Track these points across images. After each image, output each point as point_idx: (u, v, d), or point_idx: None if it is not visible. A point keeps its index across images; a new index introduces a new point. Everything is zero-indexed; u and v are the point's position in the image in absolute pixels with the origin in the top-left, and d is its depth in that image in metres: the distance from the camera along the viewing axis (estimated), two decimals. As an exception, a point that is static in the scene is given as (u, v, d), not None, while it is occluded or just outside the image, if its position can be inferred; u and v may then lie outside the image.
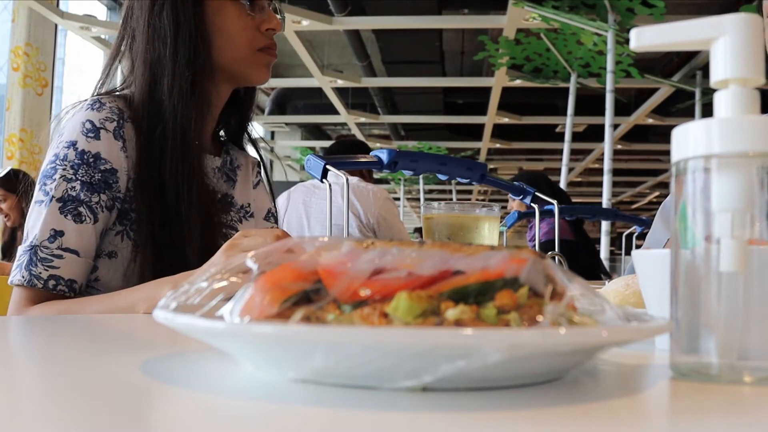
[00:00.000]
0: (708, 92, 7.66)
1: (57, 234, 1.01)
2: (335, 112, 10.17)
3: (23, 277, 0.99)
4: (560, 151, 7.41)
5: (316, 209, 2.64)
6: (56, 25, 6.46)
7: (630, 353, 0.56)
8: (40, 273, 0.99)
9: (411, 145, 11.51)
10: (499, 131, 11.21)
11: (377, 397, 0.36)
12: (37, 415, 0.33)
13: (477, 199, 13.74)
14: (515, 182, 2.36)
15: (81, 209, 1.02)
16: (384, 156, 1.85)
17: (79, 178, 1.02)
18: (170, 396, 0.38)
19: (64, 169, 1.02)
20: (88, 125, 1.04)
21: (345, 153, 2.63)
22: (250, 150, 1.35)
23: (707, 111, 7.51)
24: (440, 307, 0.40)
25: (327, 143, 10.74)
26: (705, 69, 7.73)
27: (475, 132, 11.26)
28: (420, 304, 0.40)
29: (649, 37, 0.48)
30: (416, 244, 0.45)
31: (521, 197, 2.17)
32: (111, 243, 1.06)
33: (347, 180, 1.23)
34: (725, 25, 0.45)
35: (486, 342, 0.34)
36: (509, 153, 12.72)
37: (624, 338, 0.39)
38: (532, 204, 1.90)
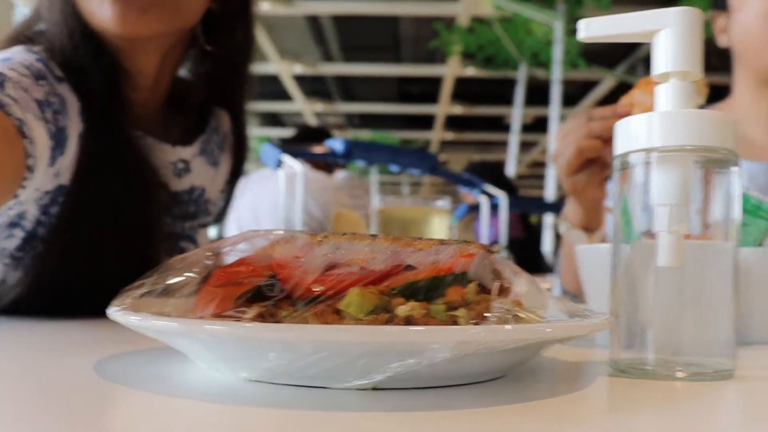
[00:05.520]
0: (649, 85, 7.78)
1: None
2: (292, 100, 10.13)
3: None
4: (508, 143, 7.53)
5: (268, 201, 2.61)
6: (12, 4, 6.05)
7: (571, 349, 0.57)
8: None
9: (366, 134, 11.49)
10: (451, 122, 11.28)
11: (329, 397, 0.37)
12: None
13: (429, 192, 13.81)
14: (465, 174, 2.39)
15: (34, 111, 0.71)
16: (339, 146, 1.86)
17: (33, 94, 0.72)
18: (123, 396, 0.38)
19: (12, 69, 0.73)
20: (35, 69, 0.76)
21: (308, 141, 2.57)
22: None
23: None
24: (391, 303, 0.41)
25: (283, 132, 10.65)
26: (646, 61, 7.87)
27: (428, 122, 11.32)
28: (371, 301, 0.41)
29: (596, 28, 0.49)
30: (368, 238, 0.46)
31: (470, 189, 2.21)
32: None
33: (302, 171, 1.23)
34: (667, 19, 0.46)
35: (434, 339, 0.35)
36: (460, 144, 12.80)
37: (568, 335, 0.40)
38: (482, 196, 1.93)
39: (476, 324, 0.39)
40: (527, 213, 3.18)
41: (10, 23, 5.93)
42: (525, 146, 10.81)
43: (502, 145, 10.09)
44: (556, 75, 5.92)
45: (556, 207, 3.01)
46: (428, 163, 1.95)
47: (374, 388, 0.38)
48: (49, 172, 0.74)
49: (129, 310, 0.43)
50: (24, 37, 0.83)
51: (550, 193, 5.51)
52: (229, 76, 0.99)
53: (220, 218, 1.04)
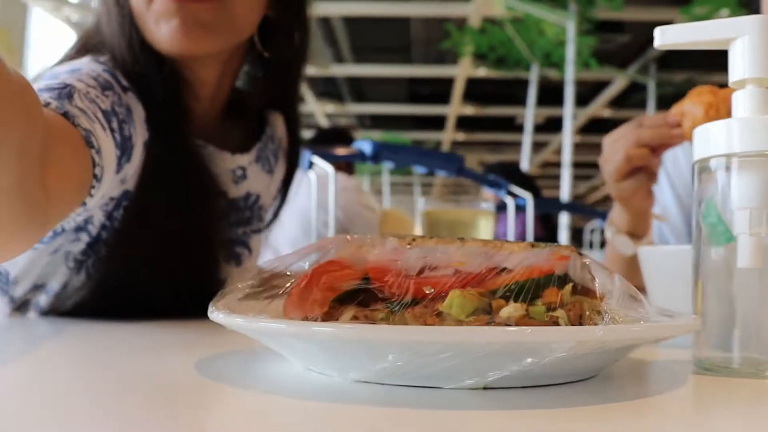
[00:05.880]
0: (662, 84, 7.80)
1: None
2: (303, 101, 10.14)
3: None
4: (520, 143, 7.53)
5: (292, 203, 2.59)
6: (26, 6, 6.03)
7: (650, 349, 0.58)
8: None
9: (377, 135, 11.50)
10: (462, 123, 11.29)
11: (441, 396, 0.37)
12: (94, 416, 0.34)
13: (441, 193, 13.78)
14: (489, 175, 2.40)
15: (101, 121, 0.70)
16: (367, 148, 1.86)
17: (100, 105, 0.71)
18: (230, 396, 0.38)
19: (80, 81, 0.71)
20: (102, 80, 0.75)
21: (328, 142, 2.56)
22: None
23: (662, 103, 7.64)
24: (491, 305, 0.42)
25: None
26: (659, 61, 7.87)
27: (439, 123, 11.32)
28: (472, 302, 0.41)
29: (672, 35, 0.50)
30: (457, 241, 0.47)
31: (495, 190, 2.21)
32: (61, 260, 0.82)
33: (333, 173, 1.24)
34: (743, 27, 0.48)
35: (556, 339, 0.36)
36: (471, 145, 12.80)
37: (674, 333, 0.41)
38: (507, 197, 1.93)
39: (591, 324, 0.40)
40: (548, 213, 3.19)
41: (24, 25, 5.95)
42: (536, 146, 10.80)
43: (514, 145, 10.10)
44: (570, 75, 5.92)
45: (574, 208, 3.01)
46: (454, 165, 1.95)
47: (484, 387, 0.39)
48: (115, 180, 0.75)
49: (231, 312, 0.44)
50: (91, 46, 0.84)
51: (564, 194, 5.51)
52: (286, 80, 1.00)
53: (271, 223, 1.05)
